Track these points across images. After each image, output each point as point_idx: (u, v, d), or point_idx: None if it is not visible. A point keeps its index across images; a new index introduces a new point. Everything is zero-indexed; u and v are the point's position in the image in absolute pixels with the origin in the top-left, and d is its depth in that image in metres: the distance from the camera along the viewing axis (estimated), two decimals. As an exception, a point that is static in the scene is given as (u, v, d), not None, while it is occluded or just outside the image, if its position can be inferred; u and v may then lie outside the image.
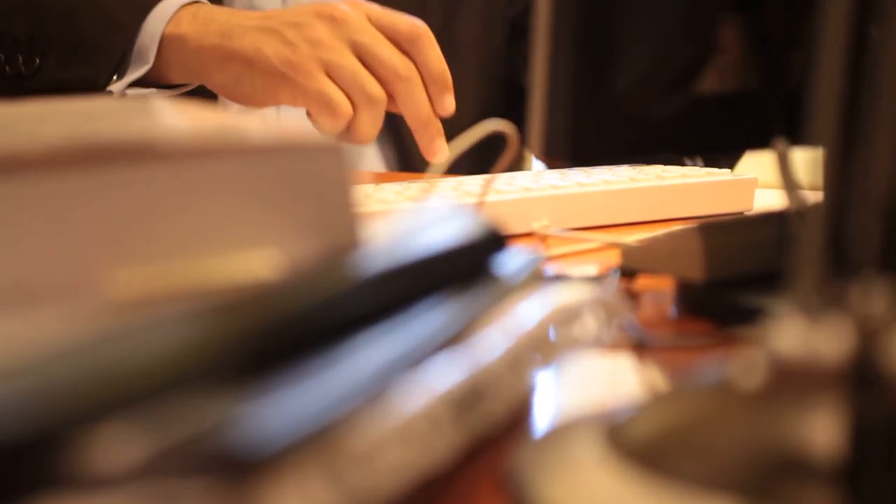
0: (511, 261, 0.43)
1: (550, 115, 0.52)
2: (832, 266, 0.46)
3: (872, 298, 0.29)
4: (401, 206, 0.75)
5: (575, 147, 0.52)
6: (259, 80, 0.95)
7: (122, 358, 0.28)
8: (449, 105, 0.96)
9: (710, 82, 0.56)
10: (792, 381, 0.30)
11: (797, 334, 0.30)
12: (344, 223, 0.38)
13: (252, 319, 0.32)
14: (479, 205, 0.66)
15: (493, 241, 0.43)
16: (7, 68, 0.97)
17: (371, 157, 1.24)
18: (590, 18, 0.51)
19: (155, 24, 0.96)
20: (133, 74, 0.96)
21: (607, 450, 0.33)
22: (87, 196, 0.33)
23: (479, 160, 0.99)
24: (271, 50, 0.93)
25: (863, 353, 0.29)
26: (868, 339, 0.29)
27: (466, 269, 0.41)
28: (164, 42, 0.96)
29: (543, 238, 0.77)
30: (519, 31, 1.27)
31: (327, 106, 0.92)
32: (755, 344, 0.31)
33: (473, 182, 0.84)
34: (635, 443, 0.32)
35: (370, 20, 0.95)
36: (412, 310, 0.37)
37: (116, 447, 0.25)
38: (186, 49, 0.96)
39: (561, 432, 0.36)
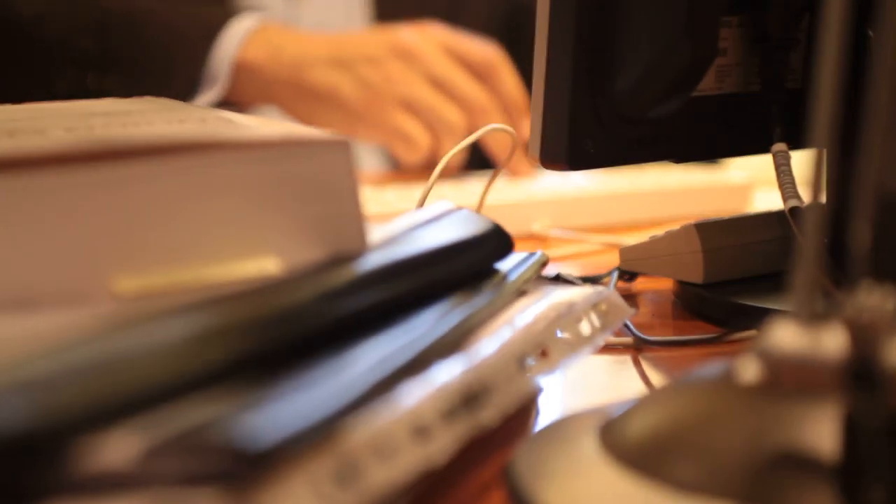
0: (513, 261, 0.44)
1: (550, 121, 0.52)
2: (831, 267, 0.47)
3: (871, 299, 0.29)
4: (402, 207, 0.75)
5: (573, 153, 0.52)
6: (335, 116, 0.95)
7: (124, 356, 0.28)
8: (526, 130, 0.96)
9: (710, 85, 0.56)
10: (790, 382, 0.30)
11: (796, 335, 0.30)
12: (350, 222, 0.38)
13: (256, 314, 0.32)
14: (480, 205, 0.66)
15: (498, 242, 0.43)
16: (76, 87, 0.97)
17: (372, 158, 1.24)
18: (589, 24, 0.51)
19: (225, 49, 0.95)
20: (203, 98, 0.96)
21: (604, 448, 0.33)
22: (90, 196, 0.33)
23: (480, 161, 0.99)
24: (347, 89, 0.94)
25: (861, 354, 0.29)
26: (866, 339, 0.29)
27: (470, 269, 0.41)
28: (235, 68, 0.95)
29: (544, 239, 0.77)
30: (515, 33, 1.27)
31: (405, 141, 0.93)
32: (754, 344, 0.31)
33: (474, 183, 0.85)
34: (632, 441, 0.32)
35: (445, 49, 0.95)
36: (417, 309, 0.37)
37: (119, 444, 0.26)
38: (259, 79, 0.96)
39: (559, 431, 0.36)
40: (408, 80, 0.93)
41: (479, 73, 0.95)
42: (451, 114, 0.93)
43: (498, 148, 0.95)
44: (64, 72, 0.96)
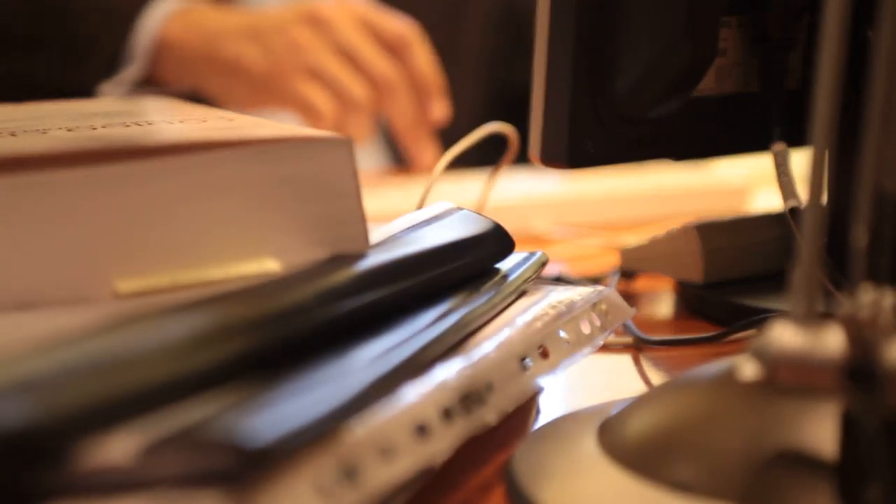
0: (513, 261, 0.44)
1: (550, 120, 0.52)
2: (830, 267, 0.47)
3: (870, 299, 0.29)
4: (403, 207, 0.75)
5: (573, 153, 0.52)
6: (243, 87, 0.94)
7: (124, 356, 0.28)
8: (436, 111, 0.94)
9: (709, 85, 0.56)
10: (789, 381, 0.30)
11: (795, 334, 0.30)
12: (350, 222, 0.38)
13: (256, 314, 0.32)
14: (482, 205, 0.66)
15: (498, 242, 0.43)
16: (6, 72, 0.96)
17: (371, 157, 1.24)
18: (589, 24, 0.51)
19: (147, 27, 0.95)
20: (123, 76, 0.95)
21: (603, 447, 0.33)
22: (90, 196, 0.33)
23: (480, 160, 0.99)
24: (252, 58, 0.92)
25: (860, 354, 0.29)
26: (866, 339, 0.29)
27: (470, 269, 0.41)
28: (156, 46, 0.95)
29: (544, 239, 0.77)
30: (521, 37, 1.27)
31: (309, 111, 0.91)
32: (753, 344, 0.31)
33: (475, 182, 0.85)
34: (631, 440, 0.32)
35: (359, 21, 0.93)
36: (417, 309, 0.37)
37: (119, 442, 0.26)
38: (178, 56, 0.95)
39: (558, 430, 0.36)
40: (315, 48, 0.91)
41: (392, 48, 0.93)
42: (357, 86, 0.91)
43: (400, 122, 0.94)
44: None
